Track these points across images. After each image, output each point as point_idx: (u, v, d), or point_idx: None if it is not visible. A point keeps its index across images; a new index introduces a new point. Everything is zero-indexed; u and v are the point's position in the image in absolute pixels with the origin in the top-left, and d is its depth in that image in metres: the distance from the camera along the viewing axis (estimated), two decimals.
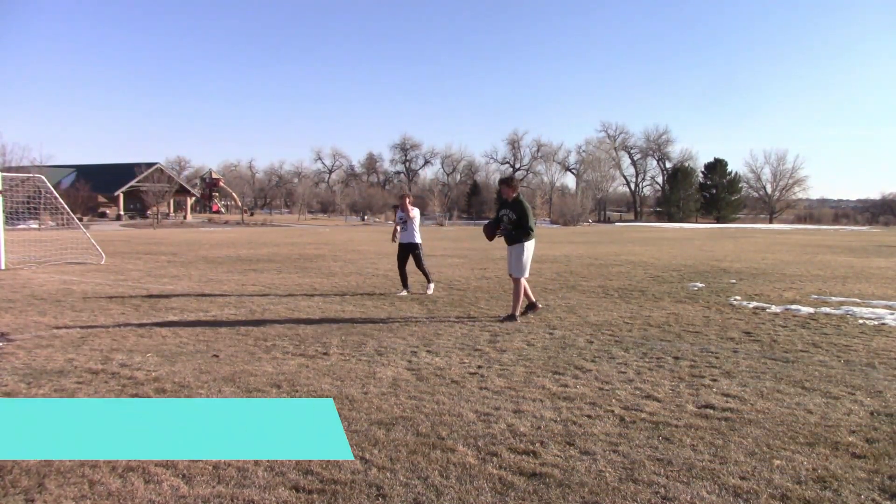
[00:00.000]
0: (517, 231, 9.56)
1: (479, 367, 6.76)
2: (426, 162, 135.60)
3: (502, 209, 9.81)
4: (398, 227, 12.72)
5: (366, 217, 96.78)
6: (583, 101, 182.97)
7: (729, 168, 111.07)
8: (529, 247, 9.62)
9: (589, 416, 5.16)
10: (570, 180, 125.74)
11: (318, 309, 10.55)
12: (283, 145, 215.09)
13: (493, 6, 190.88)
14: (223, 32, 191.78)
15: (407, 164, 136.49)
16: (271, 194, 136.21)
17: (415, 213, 12.61)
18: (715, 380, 6.30)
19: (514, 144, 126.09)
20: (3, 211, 18.49)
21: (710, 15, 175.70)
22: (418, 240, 12.62)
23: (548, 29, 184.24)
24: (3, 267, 17.16)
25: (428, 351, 7.49)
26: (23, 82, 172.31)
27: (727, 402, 5.58)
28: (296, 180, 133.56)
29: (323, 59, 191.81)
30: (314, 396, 5.65)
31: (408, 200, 12.57)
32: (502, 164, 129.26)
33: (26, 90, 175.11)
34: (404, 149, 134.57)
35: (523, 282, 9.67)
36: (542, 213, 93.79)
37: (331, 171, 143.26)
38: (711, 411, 5.31)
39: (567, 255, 23.36)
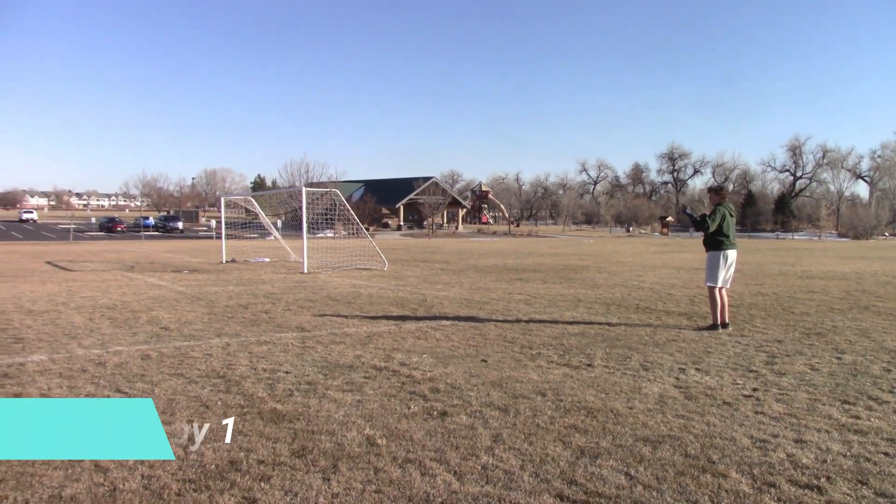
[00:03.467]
0: (703, 233, 9.77)
1: (755, 389, 6.33)
2: (696, 171, 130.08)
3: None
4: None
5: (631, 228, 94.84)
6: (876, 100, 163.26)
7: None
8: (720, 257, 9.70)
9: (886, 454, 4.60)
10: (861, 189, 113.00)
11: (581, 320, 10.57)
12: (548, 158, 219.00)
13: (779, 3, 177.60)
14: (492, 51, 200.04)
15: (675, 173, 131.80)
16: (537, 205, 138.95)
17: None
18: None
19: (795, 151, 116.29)
20: (307, 221, 20.97)
21: None
22: None
23: (836, 25, 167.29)
24: (305, 271, 19.46)
25: (697, 369, 7.17)
26: (326, 110, 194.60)
27: None
28: (560, 192, 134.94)
29: (587, 70, 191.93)
30: (579, 407, 5.67)
31: None
32: (781, 172, 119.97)
33: (327, 116, 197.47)
34: (672, 158, 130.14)
35: (716, 293, 9.68)
36: (827, 226, 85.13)
37: (595, 183, 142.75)
38: None
39: (858, 272, 20.94)
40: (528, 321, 10.42)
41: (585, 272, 20.48)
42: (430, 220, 75.31)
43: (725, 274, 9.75)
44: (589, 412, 5.52)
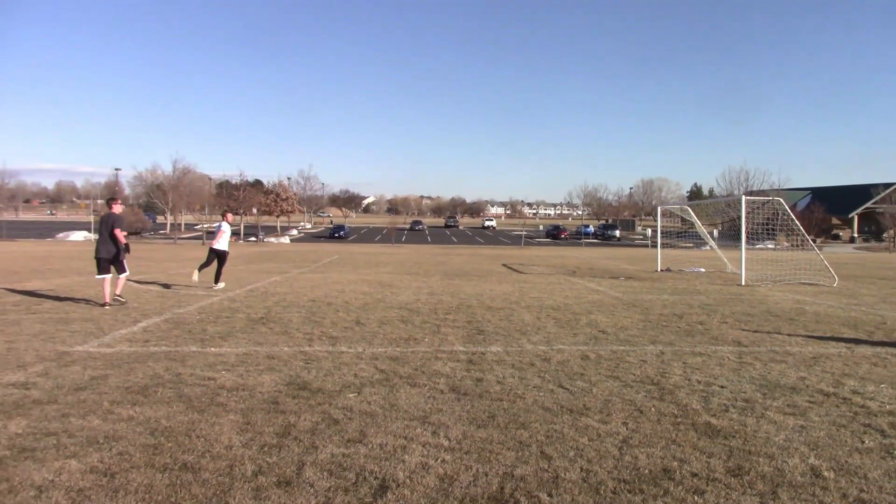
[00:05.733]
0: None
1: None
2: None
3: None
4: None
5: None
6: None
7: None
8: None
9: None
10: None
11: None
12: None
13: None
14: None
15: None
16: None
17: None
18: None
19: None
20: (745, 231, 20.05)
21: None
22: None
23: None
24: (742, 283, 18.64)
25: None
26: (767, 115, 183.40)
27: None
28: None
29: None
30: None
31: None
32: None
33: (769, 121, 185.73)
34: None
35: None
36: None
37: None
38: None
39: None
40: None
41: None
42: (891, 232, 65.46)
43: None
44: None
